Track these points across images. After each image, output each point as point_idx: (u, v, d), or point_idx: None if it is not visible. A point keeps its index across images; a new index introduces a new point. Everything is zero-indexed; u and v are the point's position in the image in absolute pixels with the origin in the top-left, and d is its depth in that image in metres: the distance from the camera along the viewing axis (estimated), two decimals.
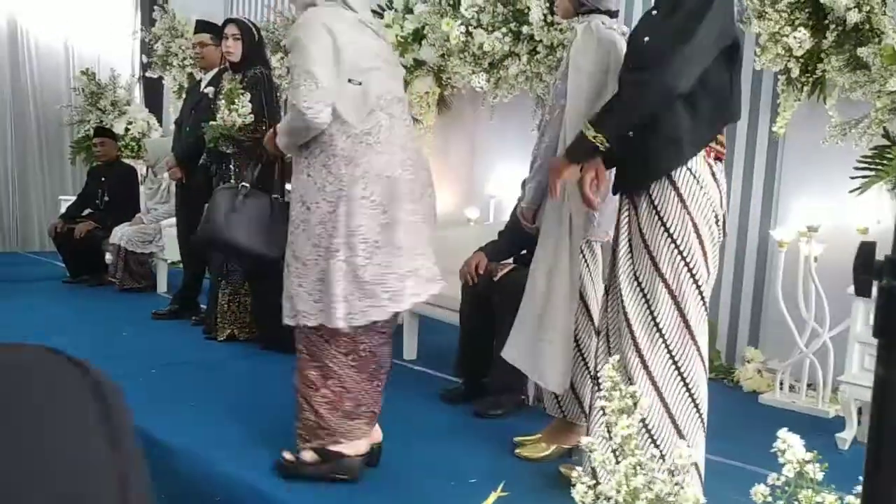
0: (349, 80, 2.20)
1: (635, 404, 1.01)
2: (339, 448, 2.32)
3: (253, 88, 3.84)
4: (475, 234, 4.35)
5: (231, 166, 3.90)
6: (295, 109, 2.16)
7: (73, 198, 6.41)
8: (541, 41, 4.24)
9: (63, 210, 6.42)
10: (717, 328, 3.96)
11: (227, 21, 4.10)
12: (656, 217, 2.05)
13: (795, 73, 3.32)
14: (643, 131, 2.04)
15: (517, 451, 2.62)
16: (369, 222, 2.21)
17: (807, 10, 3.24)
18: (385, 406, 2.48)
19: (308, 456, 2.34)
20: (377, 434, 2.45)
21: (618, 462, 1.05)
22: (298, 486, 2.31)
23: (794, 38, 3.20)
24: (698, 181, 2.02)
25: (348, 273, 2.19)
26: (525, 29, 4.29)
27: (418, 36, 5.00)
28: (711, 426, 2.92)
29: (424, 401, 3.24)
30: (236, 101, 3.72)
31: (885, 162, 2.83)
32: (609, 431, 1.12)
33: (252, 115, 3.78)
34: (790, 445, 0.93)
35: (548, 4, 4.18)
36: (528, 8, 4.20)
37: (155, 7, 7.00)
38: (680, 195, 2.02)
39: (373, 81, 2.24)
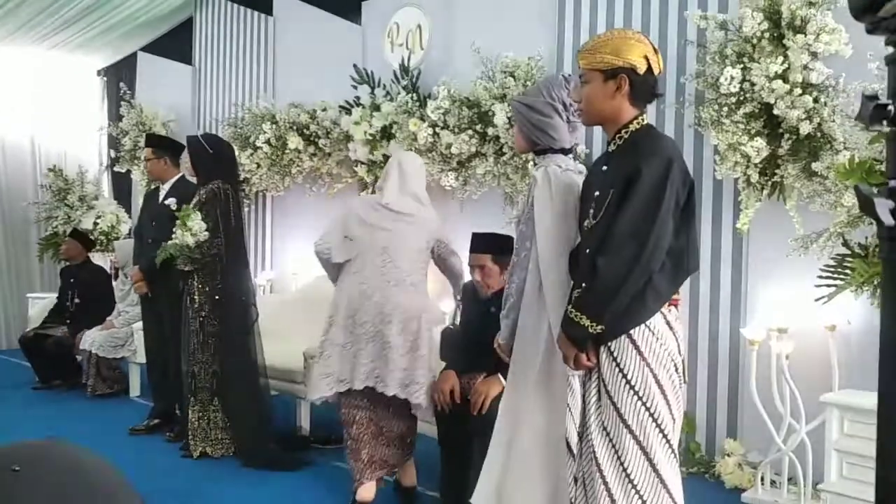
0: (345, 237, 3.33)
1: None
2: None
3: (208, 204, 3.93)
4: None
5: (195, 282, 3.94)
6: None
7: (41, 295, 6.34)
8: (506, 142, 4.33)
9: (30, 307, 6.34)
10: (696, 421, 3.99)
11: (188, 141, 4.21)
12: (617, 370, 2.11)
13: (755, 178, 3.42)
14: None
15: None
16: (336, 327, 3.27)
17: (762, 119, 3.36)
18: None
19: None
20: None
21: None
22: None
23: (752, 146, 3.31)
24: (654, 334, 2.10)
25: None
26: (490, 130, 4.38)
27: (386, 133, 5.08)
28: None
29: None
30: (188, 222, 3.79)
31: (846, 271, 2.91)
32: None
33: (207, 234, 3.87)
34: None
35: (510, 108, 4.29)
36: (493, 112, 4.30)
37: (122, 102, 7.03)
38: (638, 349, 2.09)
39: (360, 239, 3.29)
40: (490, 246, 3.23)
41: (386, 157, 5.18)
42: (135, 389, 5.42)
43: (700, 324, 3.94)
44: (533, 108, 2.51)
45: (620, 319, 2.09)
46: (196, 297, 3.94)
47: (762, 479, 3.55)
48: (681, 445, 3.93)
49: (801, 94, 3.18)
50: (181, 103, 6.98)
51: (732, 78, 3.31)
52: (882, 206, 1.13)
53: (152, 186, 4.79)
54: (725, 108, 3.35)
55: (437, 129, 4.63)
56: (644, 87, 2.19)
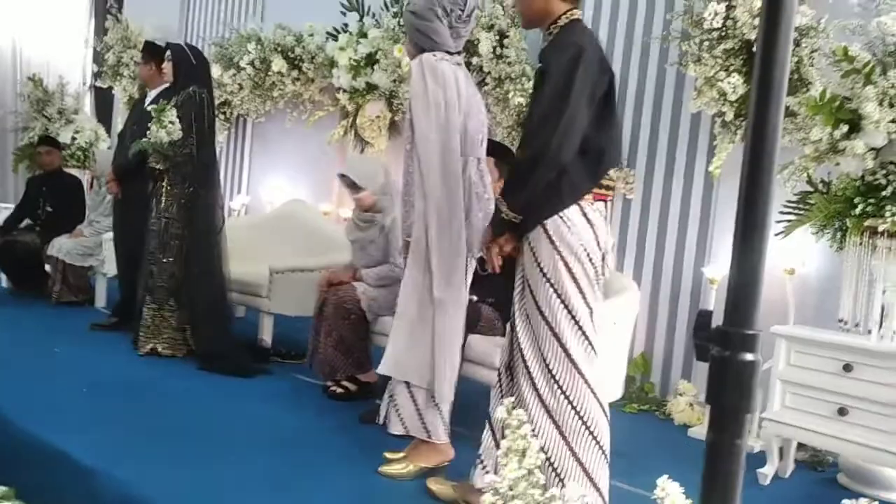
0: None
1: (526, 450, 1.03)
2: None
3: (184, 107, 3.96)
4: None
5: (164, 184, 3.97)
6: None
7: (12, 206, 6.25)
8: (489, 73, 4.31)
9: (1, 217, 6.26)
10: (652, 362, 4.04)
11: (166, 45, 4.30)
12: (534, 260, 2.18)
13: (730, 116, 3.44)
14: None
15: (380, 468, 2.67)
16: None
17: (741, 57, 3.36)
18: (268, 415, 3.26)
19: None
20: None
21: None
22: None
23: (728, 83, 3.32)
24: (566, 224, 2.14)
25: None
26: (475, 60, 4.35)
27: (371, 60, 5.04)
28: (637, 459, 2.99)
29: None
30: (163, 118, 3.81)
31: (807, 207, 2.94)
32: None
33: (181, 132, 3.88)
34: (668, 493, 0.97)
35: (497, 38, 4.27)
36: (478, 40, 4.27)
37: (108, 16, 6.91)
38: (551, 240, 2.15)
39: None
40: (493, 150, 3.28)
41: (370, 86, 5.15)
42: (100, 300, 5.39)
43: (665, 263, 3.98)
44: (415, 13, 2.61)
45: (536, 209, 2.15)
46: (163, 197, 3.96)
47: None
48: (635, 384, 4.00)
49: None
50: (168, 21, 6.87)
51: (716, 13, 3.31)
52: None
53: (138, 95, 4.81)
54: (706, 43, 3.35)
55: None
56: None
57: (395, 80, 4.92)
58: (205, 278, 3.94)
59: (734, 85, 3.32)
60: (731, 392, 0.80)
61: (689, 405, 3.79)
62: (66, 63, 7.62)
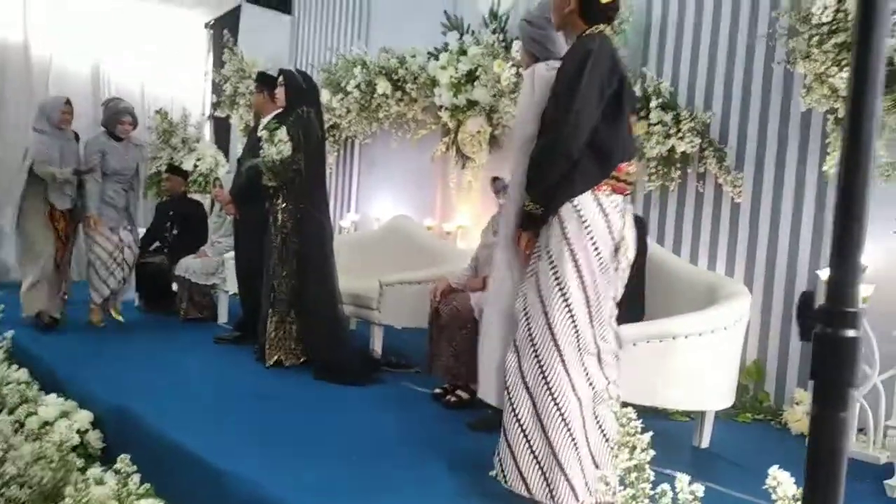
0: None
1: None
2: None
3: (293, 125, 4.20)
4: None
5: (279, 201, 4.20)
6: None
7: (141, 230, 6.74)
8: None
9: None
10: (766, 369, 3.92)
11: (279, 72, 4.54)
12: (545, 242, 2.34)
13: (842, 113, 3.31)
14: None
15: (491, 472, 2.65)
16: None
17: None
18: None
19: None
20: None
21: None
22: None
23: (841, 78, 3.21)
24: (579, 214, 2.28)
25: None
26: None
27: (472, 77, 5.16)
28: (753, 468, 2.90)
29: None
30: (274, 136, 4.08)
31: None
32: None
33: (290, 150, 4.11)
34: (780, 482, 0.98)
35: None
36: None
37: (224, 49, 7.37)
38: (562, 226, 2.29)
39: None
40: None
41: (470, 102, 5.26)
42: (223, 316, 5.72)
43: (777, 268, 3.86)
44: (531, 22, 2.69)
45: (552, 198, 2.31)
46: (279, 215, 4.20)
47: None
48: (748, 393, 3.88)
49: None
50: (279, 51, 7.26)
51: (826, 7, 3.21)
52: None
53: (251, 125, 5.09)
54: (816, 38, 3.26)
55: (521, 70, 4.66)
56: (592, 9, 2.39)
57: (494, 95, 5.01)
58: (319, 292, 4.13)
59: (847, 80, 3.19)
60: (835, 367, 0.82)
61: (806, 414, 3.65)
62: (187, 96, 8.17)
